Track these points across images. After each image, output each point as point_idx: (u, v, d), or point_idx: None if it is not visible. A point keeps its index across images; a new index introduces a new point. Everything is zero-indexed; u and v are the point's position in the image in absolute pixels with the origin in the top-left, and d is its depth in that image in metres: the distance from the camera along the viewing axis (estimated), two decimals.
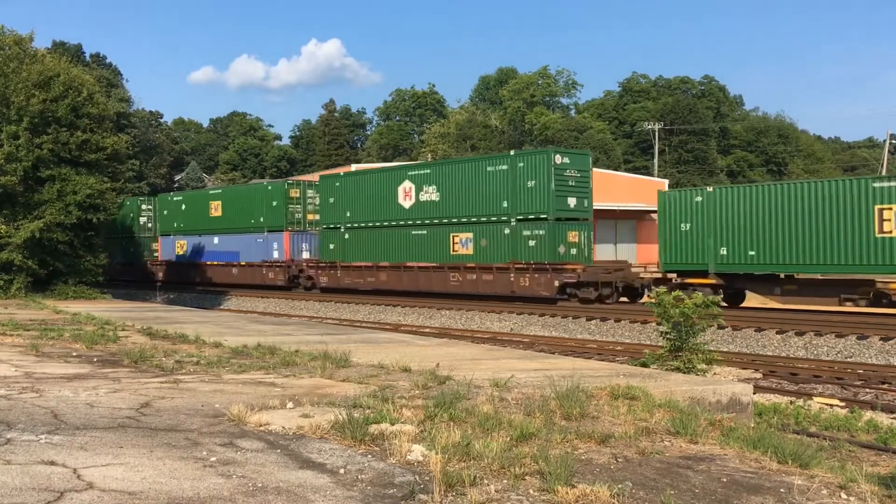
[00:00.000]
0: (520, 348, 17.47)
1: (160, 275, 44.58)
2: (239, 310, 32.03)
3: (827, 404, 12.39)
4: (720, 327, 19.86)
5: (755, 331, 20.30)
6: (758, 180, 73.42)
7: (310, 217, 37.27)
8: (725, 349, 18.73)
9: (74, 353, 10.70)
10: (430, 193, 29.99)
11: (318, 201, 36.73)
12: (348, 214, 33.42)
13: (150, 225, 46.86)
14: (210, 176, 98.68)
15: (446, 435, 5.45)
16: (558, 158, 26.66)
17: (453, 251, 29.20)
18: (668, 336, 12.97)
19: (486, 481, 4.70)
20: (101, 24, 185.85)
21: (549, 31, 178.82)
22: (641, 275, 26.21)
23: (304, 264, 35.91)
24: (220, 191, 43.23)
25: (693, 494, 4.65)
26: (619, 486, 4.61)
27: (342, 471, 4.91)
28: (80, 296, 25.61)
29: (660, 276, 25.48)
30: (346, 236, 33.58)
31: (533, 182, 26.63)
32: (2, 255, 24.69)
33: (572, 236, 26.90)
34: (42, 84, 25.65)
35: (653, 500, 4.49)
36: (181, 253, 43.38)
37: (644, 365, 12.22)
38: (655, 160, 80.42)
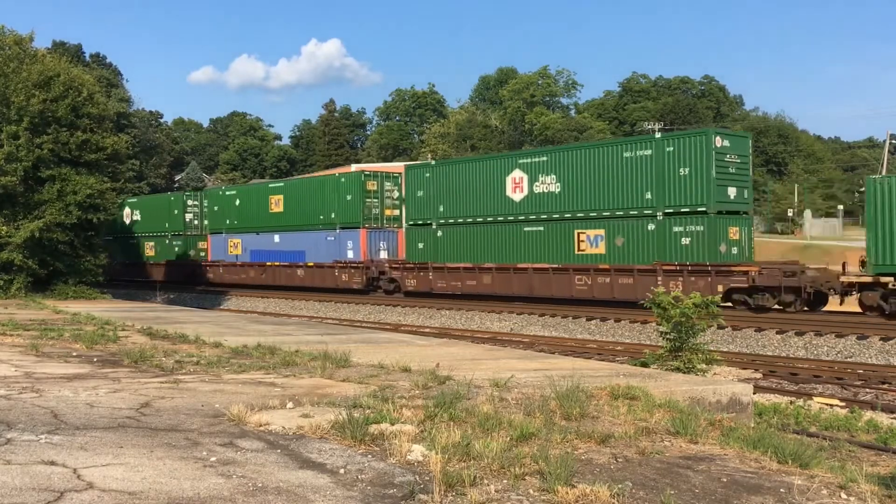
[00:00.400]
0: (520, 348, 17.47)
1: (210, 276, 41.15)
2: (239, 310, 32.02)
3: (827, 404, 12.40)
4: (720, 327, 19.85)
5: (755, 331, 20.31)
6: (758, 180, 73.30)
7: (388, 212, 33.70)
8: (725, 349, 18.73)
9: (74, 353, 10.70)
10: (548, 184, 26.07)
11: (396, 195, 33.79)
12: (441, 209, 29.54)
13: (196, 222, 43.14)
14: (210, 176, 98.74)
15: (446, 435, 5.44)
16: (718, 141, 22.99)
17: (578, 250, 25.39)
18: (667, 336, 12.96)
19: (486, 481, 4.70)
20: (101, 24, 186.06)
21: (549, 31, 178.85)
22: (842, 278, 21.00)
23: (387, 265, 32.16)
24: (281, 184, 39.23)
25: (693, 494, 4.65)
26: (619, 486, 4.61)
27: (342, 471, 4.91)
28: (80, 296, 25.59)
29: (869, 279, 20.38)
30: (439, 234, 29.67)
31: (686, 169, 22.89)
32: (2, 255, 24.68)
33: (733, 233, 23.28)
34: (42, 84, 25.64)
35: (653, 500, 4.49)
36: (235, 252, 39.67)
37: (644, 365, 12.22)
38: None
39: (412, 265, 30.66)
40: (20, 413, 6.53)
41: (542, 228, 26.46)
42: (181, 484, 4.56)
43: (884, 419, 11.22)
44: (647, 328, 21.36)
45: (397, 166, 48.06)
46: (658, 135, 24.80)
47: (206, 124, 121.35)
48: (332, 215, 34.34)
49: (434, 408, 6.40)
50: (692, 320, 12.64)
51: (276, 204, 37.39)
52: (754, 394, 9.87)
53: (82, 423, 6.20)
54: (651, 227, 23.71)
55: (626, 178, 24.21)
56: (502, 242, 27.59)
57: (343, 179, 34.93)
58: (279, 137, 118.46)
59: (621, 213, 24.43)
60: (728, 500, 4.57)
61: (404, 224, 32.40)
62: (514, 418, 6.18)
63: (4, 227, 24.94)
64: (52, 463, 4.97)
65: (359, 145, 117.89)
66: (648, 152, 23.76)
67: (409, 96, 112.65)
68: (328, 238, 34.41)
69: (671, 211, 23.31)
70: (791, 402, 12.27)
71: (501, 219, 27.67)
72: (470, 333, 22.69)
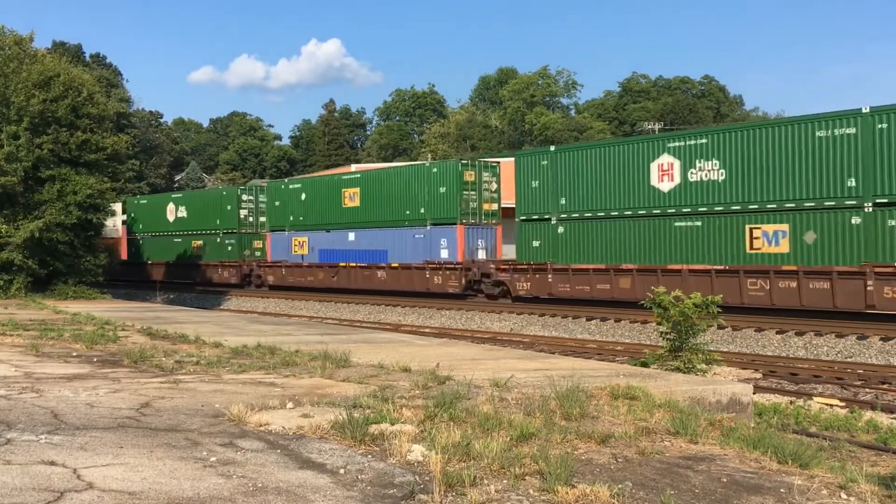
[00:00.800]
0: (520, 348, 17.47)
1: (270, 279, 37.09)
2: (239, 310, 32.01)
3: (827, 404, 12.40)
4: (720, 327, 19.84)
5: (755, 331, 20.31)
6: None
7: (486, 207, 29.93)
8: (725, 349, 18.73)
9: (74, 354, 10.70)
10: (708, 171, 22.46)
11: (494, 187, 30.29)
12: (563, 202, 25.60)
13: (251, 219, 39.63)
14: (210, 176, 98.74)
15: (446, 435, 5.45)
16: None
17: (751, 248, 21.57)
18: (667, 336, 12.97)
19: (486, 481, 4.70)
20: (101, 24, 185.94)
21: (549, 31, 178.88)
22: None
23: (492, 266, 28.24)
24: (358, 175, 34.76)
25: (693, 494, 4.65)
26: (619, 486, 4.61)
27: (342, 471, 4.91)
28: (79, 296, 25.61)
29: None
30: (561, 230, 25.67)
31: None
32: (2, 254, 24.70)
33: None
34: (42, 84, 25.66)
35: (653, 500, 4.49)
36: (300, 252, 35.81)
37: (644, 365, 12.22)
38: None
39: (525, 266, 26.51)
40: (20, 413, 6.53)
41: (699, 223, 22.58)
42: (181, 484, 4.56)
43: (884, 419, 11.22)
44: (647, 328, 21.36)
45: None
46: (866, 109, 20.18)
47: (206, 124, 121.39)
48: (422, 210, 30.35)
49: (434, 408, 6.40)
50: (692, 320, 12.65)
51: (351, 198, 33.37)
52: (754, 394, 9.87)
53: (82, 423, 6.20)
54: (856, 220, 19.83)
55: (820, 162, 20.36)
56: (645, 240, 23.63)
57: (436, 169, 30.61)
58: (279, 137, 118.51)
59: (812, 203, 20.48)
60: (728, 500, 4.57)
61: (516, 219, 27.40)
62: (514, 418, 6.18)
63: (4, 227, 24.95)
64: (52, 463, 4.97)
65: (359, 145, 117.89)
66: (851, 131, 19.97)
67: (409, 96, 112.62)
68: (416, 236, 30.54)
69: (885, 201, 19.34)
70: (791, 402, 12.28)
71: (644, 212, 23.63)
72: (470, 333, 22.69)
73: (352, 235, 33.39)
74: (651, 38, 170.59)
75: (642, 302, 14.24)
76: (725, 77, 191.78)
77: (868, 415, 11.50)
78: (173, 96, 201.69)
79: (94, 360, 10.09)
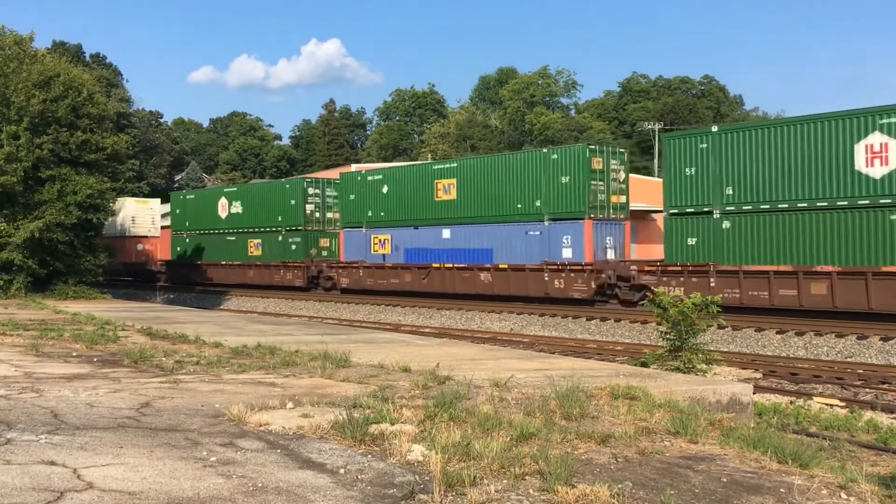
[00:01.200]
0: (520, 348, 17.48)
1: (345, 281, 33.40)
2: (239, 310, 32.01)
3: (827, 404, 12.40)
4: (720, 327, 19.85)
5: (755, 331, 20.31)
6: None
7: (613, 199, 26.47)
8: (725, 349, 18.74)
9: (74, 353, 10.70)
10: None
11: (623, 176, 26.88)
12: (729, 192, 21.94)
13: (317, 215, 36.11)
14: (210, 176, 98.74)
15: (446, 435, 5.45)
16: None
17: None
18: (667, 336, 12.97)
19: (486, 481, 4.70)
20: (101, 24, 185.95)
21: (549, 31, 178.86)
22: None
23: (633, 268, 24.42)
24: (455, 164, 30.45)
25: (693, 494, 4.65)
26: (619, 486, 4.61)
27: (342, 471, 4.91)
28: (80, 296, 25.61)
29: None
30: (726, 225, 22.07)
31: None
32: (2, 254, 24.70)
33: None
34: (42, 84, 25.66)
35: (653, 500, 4.49)
36: (381, 252, 32.23)
37: (644, 365, 12.23)
38: (655, 160, 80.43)
39: (678, 268, 22.83)
40: (20, 413, 6.53)
41: None
42: (181, 484, 4.56)
43: (884, 419, 11.23)
44: (647, 328, 21.36)
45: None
46: None
47: (206, 124, 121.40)
48: (538, 203, 26.81)
49: (434, 408, 6.40)
50: (692, 320, 12.65)
51: (446, 190, 29.45)
52: (754, 394, 9.87)
53: (82, 423, 6.20)
54: None
55: None
56: (846, 236, 19.90)
57: (556, 156, 26.65)
58: (279, 137, 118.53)
59: None
60: (728, 500, 4.57)
61: (664, 212, 23.77)
62: (514, 418, 6.18)
63: (4, 227, 24.96)
64: (52, 463, 4.97)
65: (359, 145, 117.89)
66: None
67: (409, 96, 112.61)
68: (531, 233, 26.97)
69: None
70: (791, 402, 12.28)
71: (845, 203, 19.90)
72: (470, 333, 22.69)
73: (447, 232, 29.61)
74: (651, 38, 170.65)
75: (642, 302, 14.24)
76: (725, 77, 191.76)
77: (868, 415, 11.51)
78: (173, 96, 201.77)
79: (94, 359, 10.09)
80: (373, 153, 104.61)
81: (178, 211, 43.90)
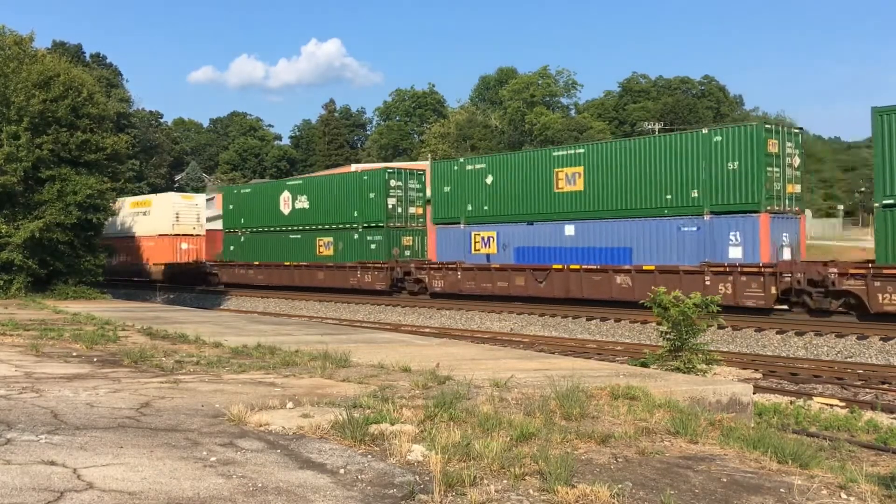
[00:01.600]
0: (520, 348, 17.48)
1: (438, 284, 29.24)
2: (239, 310, 32.00)
3: (827, 404, 12.40)
4: (720, 327, 19.83)
5: (755, 331, 20.30)
6: None
7: (789, 189, 22.42)
8: (725, 349, 18.73)
9: (74, 353, 10.70)
10: None
11: (798, 162, 22.79)
12: None
13: (399, 210, 32.19)
14: (210, 176, 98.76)
15: (446, 435, 5.45)
16: None
17: None
18: (667, 336, 12.97)
19: (486, 481, 4.70)
20: (101, 24, 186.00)
21: (549, 31, 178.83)
22: None
23: (833, 271, 20.04)
24: (582, 150, 26.02)
25: (693, 494, 4.65)
26: (619, 486, 4.61)
27: (342, 471, 4.91)
28: (80, 296, 25.61)
29: None
30: None
31: None
32: (2, 254, 24.70)
33: None
34: (42, 84, 25.65)
35: (653, 500, 4.49)
36: (485, 251, 28.21)
37: (644, 365, 12.22)
38: None
39: None
40: (20, 413, 6.53)
41: None
42: (181, 484, 4.56)
43: (884, 419, 11.23)
44: (647, 328, 21.36)
45: None
46: None
47: (206, 124, 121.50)
48: (694, 194, 22.87)
49: (434, 408, 6.40)
50: (692, 320, 12.65)
51: (570, 180, 25.67)
52: (754, 394, 9.87)
53: (82, 423, 6.20)
54: None
55: None
56: None
57: (719, 137, 22.61)
58: (279, 137, 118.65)
59: None
60: (728, 500, 4.57)
61: (874, 204, 20.05)
62: (514, 418, 6.18)
63: (4, 227, 24.95)
64: (52, 463, 4.97)
65: (359, 145, 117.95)
66: None
67: (409, 96, 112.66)
68: (685, 228, 23.10)
69: None
70: (791, 402, 12.28)
71: None
72: (470, 333, 22.69)
73: (570, 229, 25.68)
74: (651, 38, 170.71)
75: (642, 301, 14.24)
76: (725, 77, 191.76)
77: (868, 415, 11.51)
78: (173, 96, 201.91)
79: (94, 359, 10.09)
80: (373, 153, 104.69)
81: (230, 207, 39.75)
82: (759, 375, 15.00)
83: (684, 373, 11.30)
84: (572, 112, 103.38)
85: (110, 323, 14.93)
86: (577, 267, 25.03)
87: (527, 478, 4.79)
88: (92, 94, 27.29)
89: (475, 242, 28.57)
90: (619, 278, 23.93)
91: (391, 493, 4.49)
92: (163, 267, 42.25)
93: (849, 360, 17.43)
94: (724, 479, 4.95)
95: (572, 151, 26.34)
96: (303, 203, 35.56)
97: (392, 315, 28.61)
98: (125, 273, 44.59)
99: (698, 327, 12.85)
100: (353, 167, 52.33)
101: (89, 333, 12.54)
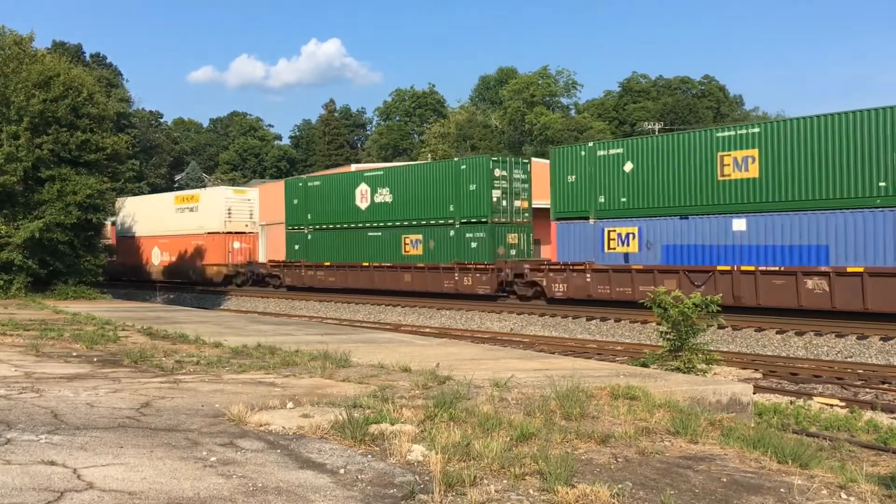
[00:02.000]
0: (520, 348, 17.48)
1: (560, 288, 25.36)
2: (239, 310, 32.00)
3: (827, 404, 12.40)
4: (720, 327, 19.82)
5: (755, 331, 20.30)
6: None
7: None
8: (725, 349, 18.73)
9: (74, 354, 10.70)
10: None
11: None
12: None
13: (503, 203, 28.42)
14: (210, 176, 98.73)
15: (446, 435, 5.45)
16: None
17: None
18: (667, 336, 12.97)
19: (486, 481, 4.70)
20: (101, 24, 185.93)
21: (549, 31, 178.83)
22: None
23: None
24: (756, 130, 21.63)
25: (693, 494, 4.65)
26: (619, 486, 4.61)
27: (342, 471, 4.91)
28: (80, 296, 25.62)
29: None
30: None
31: None
32: (2, 254, 24.71)
33: None
34: (42, 84, 25.67)
35: (653, 500, 4.49)
36: (622, 250, 23.97)
37: (644, 365, 12.23)
38: None
39: None
40: (20, 413, 6.53)
41: None
42: (181, 484, 4.56)
43: (884, 419, 11.23)
44: (647, 328, 21.35)
45: None
46: None
47: (206, 124, 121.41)
48: None
49: (434, 408, 6.40)
50: (692, 320, 12.65)
51: (739, 165, 21.48)
52: (754, 394, 9.87)
53: (82, 423, 6.20)
54: None
55: None
56: None
57: None
58: (279, 137, 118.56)
59: None
60: (728, 500, 4.57)
61: None
62: (514, 418, 6.18)
63: (4, 227, 24.97)
64: (52, 463, 4.97)
65: (359, 145, 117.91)
66: None
67: (409, 96, 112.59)
68: None
69: None
70: (791, 402, 12.28)
71: None
72: (470, 333, 22.69)
73: (739, 223, 21.58)
74: (651, 38, 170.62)
75: (642, 301, 14.23)
76: (725, 77, 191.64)
77: (868, 415, 11.51)
78: (173, 96, 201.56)
79: (95, 359, 10.09)
80: (373, 153, 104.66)
81: (295, 201, 35.93)
82: (759, 375, 15.00)
83: (684, 373, 11.31)
84: (572, 112, 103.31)
85: (110, 323, 14.94)
86: (751, 268, 20.96)
87: (527, 478, 4.79)
88: (92, 94, 27.31)
89: (609, 240, 24.36)
90: (809, 283, 19.83)
91: (391, 493, 4.49)
92: (215, 269, 39.46)
93: (849, 359, 17.43)
94: (725, 479, 4.95)
95: (744, 132, 21.94)
96: (384, 196, 31.82)
97: (392, 315, 28.61)
98: (172, 275, 41.75)
99: (698, 327, 12.85)
100: (353, 167, 52.37)
101: (89, 333, 12.55)
